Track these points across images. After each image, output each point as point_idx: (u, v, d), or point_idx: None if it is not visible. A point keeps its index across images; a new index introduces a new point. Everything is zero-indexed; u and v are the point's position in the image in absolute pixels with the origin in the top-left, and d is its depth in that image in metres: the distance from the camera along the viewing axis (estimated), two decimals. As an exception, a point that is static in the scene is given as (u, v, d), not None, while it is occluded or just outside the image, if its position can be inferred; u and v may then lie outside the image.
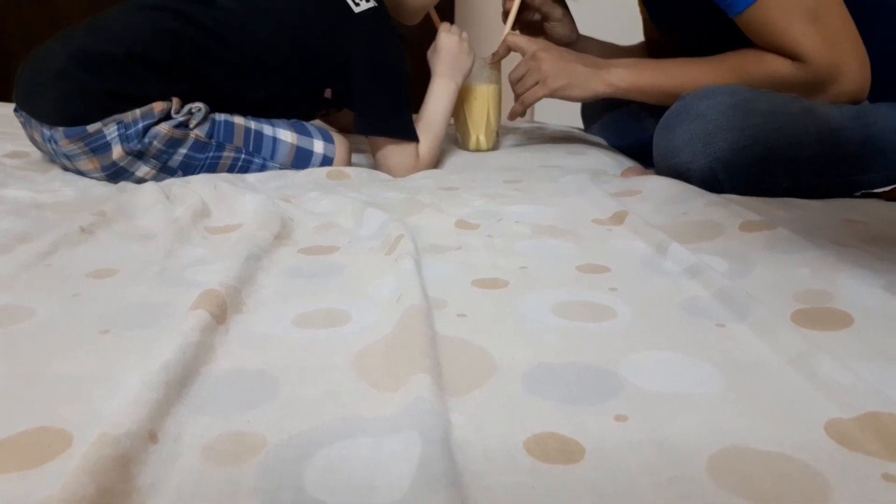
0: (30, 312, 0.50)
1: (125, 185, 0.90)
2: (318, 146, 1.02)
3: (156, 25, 0.95)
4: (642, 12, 1.34)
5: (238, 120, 0.99)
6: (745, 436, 0.35)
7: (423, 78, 1.15)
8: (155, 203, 0.80)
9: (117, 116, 0.90)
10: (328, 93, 1.08)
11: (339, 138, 1.05)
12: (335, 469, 0.33)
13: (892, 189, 0.94)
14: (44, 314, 0.50)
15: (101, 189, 0.91)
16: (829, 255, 0.61)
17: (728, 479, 0.32)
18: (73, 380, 0.41)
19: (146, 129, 0.91)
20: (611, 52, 1.29)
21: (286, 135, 1.01)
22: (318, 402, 0.39)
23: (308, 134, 1.03)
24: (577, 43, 1.25)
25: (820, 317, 0.50)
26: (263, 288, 0.56)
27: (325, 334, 0.47)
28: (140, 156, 0.92)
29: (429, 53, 1.16)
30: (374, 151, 1.08)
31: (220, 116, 0.97)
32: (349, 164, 1.06)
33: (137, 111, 0.91)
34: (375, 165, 1.08)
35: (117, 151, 0.91)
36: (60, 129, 0.90)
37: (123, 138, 0.90)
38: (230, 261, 0.59)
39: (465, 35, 1.16)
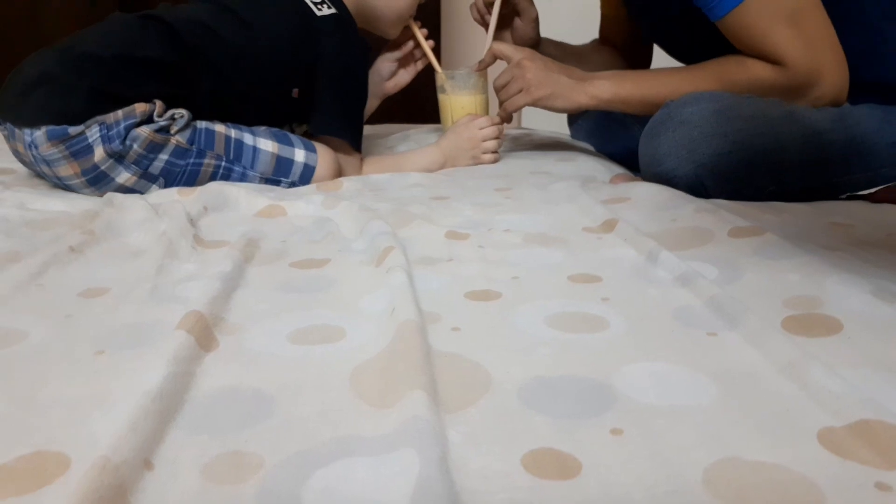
0: (22, 335, 0.50)
1: (112, 197, 0.89)
2: (300, 155, 1.02)
3: (142, 32, 0.97)
4: (602, 9, 1.35)
5: (219, 128, 0.99)
6: (739, 447, 0.36)
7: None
8: (143, 220, 0.80)
9: (99, 118, 0.90)
10: (295, 92, 1.11)
11: (322, 149, 1.05)
12: (333, 490, 0.33)
13: (877, 191, 0.95)
14: (37, 336, 0.50)
15: (90, 204, 0.90)
16: (817, 259, 0.61)
17: (723, 491, 0.32)
18: (69, 403, 0.41)
19: (128, 130, 0.91)
20: (565, 52, 1.30)
21: (267, 144, 1.01)
22: (314, 421, 0.39)
23: (289, 143, 1.03)
24: (539, 46, 1.25)
25: (810, 323, 0.50)
26: (257, 303, 0.56)
27: (321, 351, 0.48)
28: (120, 159, 0.92)
29: (451, 129, 1.19)
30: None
31: (202, 124, 0.98)
32: (337, 175, 1.05)
33: (120, 112, 0.91)
34: None
35: (99, 153, 0.91)
36: (43, 130, 0.90)
37: (105, 139, 0.91)
38: (221, 276, 0.59)
39: (486, 134, 1.17)
